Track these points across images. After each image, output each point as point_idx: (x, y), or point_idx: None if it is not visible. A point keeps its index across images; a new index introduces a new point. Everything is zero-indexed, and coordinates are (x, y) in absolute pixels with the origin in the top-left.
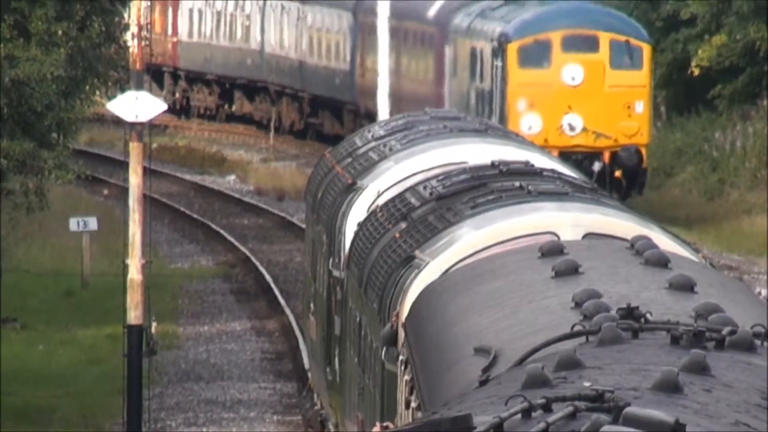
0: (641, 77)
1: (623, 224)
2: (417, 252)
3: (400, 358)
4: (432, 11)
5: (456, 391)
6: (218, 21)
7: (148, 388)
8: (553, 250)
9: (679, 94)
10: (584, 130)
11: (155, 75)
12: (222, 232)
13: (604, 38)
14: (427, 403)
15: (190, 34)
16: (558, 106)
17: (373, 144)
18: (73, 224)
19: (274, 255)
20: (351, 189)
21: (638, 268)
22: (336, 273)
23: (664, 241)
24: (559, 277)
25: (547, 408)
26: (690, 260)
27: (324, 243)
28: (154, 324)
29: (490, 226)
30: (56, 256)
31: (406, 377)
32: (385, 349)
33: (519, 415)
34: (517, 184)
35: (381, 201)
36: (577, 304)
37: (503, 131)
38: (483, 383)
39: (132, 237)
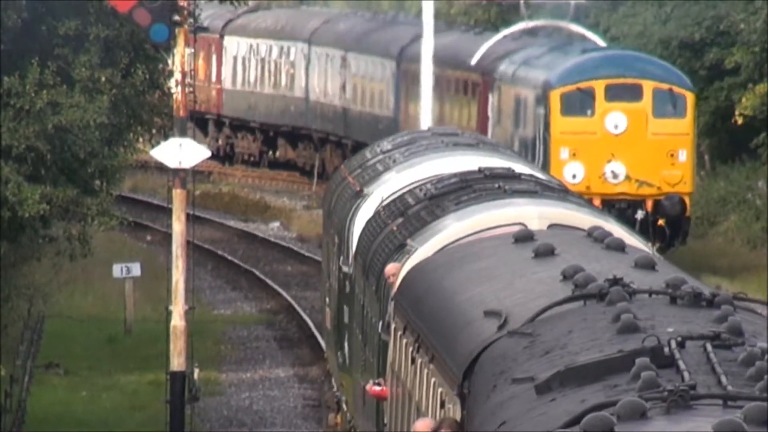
0: (684, 125)
1: (582, 217)
2: (409, 240)
3: (392, 326)
4: (475, 59)
5: (475, 343)
6: (262, 68)
7: None
8: (525, 236)
9: (723, 142)
10: (627, 178)
11: (199, 122)
12: (265, 278)
13: (647, 86)
14: (443, 355)
15: (234, 82)
16: (601, 154)
17: (380, 157)
18: (117, 270)
19: (317, 301)
20: (359, 195)
21: (602, 252)
22: (345, 268)
23: (618, 231)
24: (539, 257)
25: None
26: (640, 246)
27: (336, 243)
28: (196, 370)
29: (469, 218)
30: (99, 302)
31: (406, 340)
32: (381, 322)
33: None
34: (496, 185)
35: (384, 203)
36: (566, 277)
37: (493, 145)
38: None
39: (175, 283)
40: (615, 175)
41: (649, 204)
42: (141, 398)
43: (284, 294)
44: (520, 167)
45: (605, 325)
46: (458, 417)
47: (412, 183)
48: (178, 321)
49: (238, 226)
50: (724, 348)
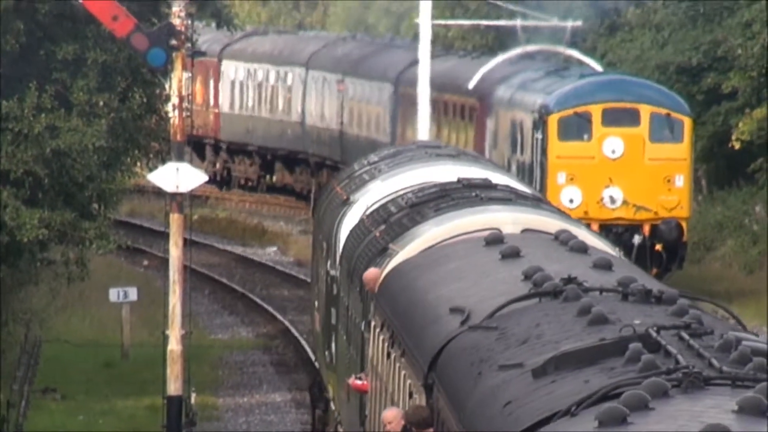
0: (681, 150)
1: (554, 222)
2: (390, 244)
3: (372, 324)
4: (472, 83)
5: (440, 338)
6: (259, 93)
7: None
8: (494, 239)
9: (720, 167)
10: (624, 203)
11: (196, 146)
12: (262, 303)
13: (645, 111)
14: (412, 349)
15: (232, 106)
16: (598, 179)
17: (366, 168)
18: (114, 295)
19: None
20: (345, 203)
21: (565, 254)
22: (332, 272)
23: (586, 236)
24: (505, 259)
25: None
26: (604, 249)
27: (324, 249)
28: (193, 395)
29: (447, 223)
30: (96, 327)
31: (383, 336)
32: (363, 321)
33: None
34: (473, 193)
35: (369, 211)
36: (527, 277)
37: (474, 156)
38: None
39: (172, 308)
40: (613, 200)
41: (647, 229)
42: (138, 423)
43: (281, 318)
44: (498, 177)
45: (571, 318)
46: (424, 404)
47: (395, 192)
48: (174, 345)
49: (235, 251)
50: (697, 336)
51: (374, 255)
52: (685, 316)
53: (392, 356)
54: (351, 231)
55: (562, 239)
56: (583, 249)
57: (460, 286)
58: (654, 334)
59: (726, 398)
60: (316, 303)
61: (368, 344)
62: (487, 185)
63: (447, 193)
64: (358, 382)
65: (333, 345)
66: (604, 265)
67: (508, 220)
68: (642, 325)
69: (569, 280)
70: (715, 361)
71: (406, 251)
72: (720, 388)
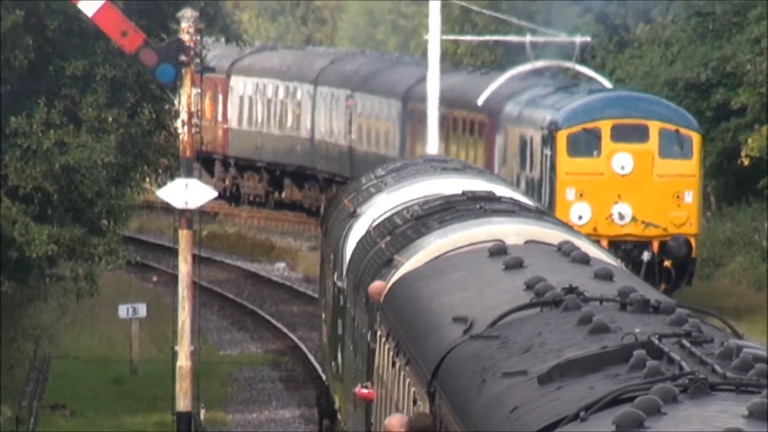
0: (691, 167)
1: (556, 234)
2: (396, 256)
3: (378, 333)
4: (481, 99)
5: (443, 346)
6: (268, 109)
7: None
8: (498, 250)
9: (729, 183)
10: (633, 219)
11: (205, 162)
12: (271, 319)
13: (654, 127)
14: (416, 357)
15: (240, 122)
16: (607, 195)
17: (373, 181)
18: (123, 311)
19: None
20: (352, 216)
21: (567, 264)
22: (339, 284)
23: (588, 247)
24: (508, 269)
25: None
26: (606, 260)
27: (331, 261)
28: (202, 411)
29: (451, 235)
30: (105, 343)
31: (388, 345)
32: (369, 331)
33: None
34: (477, 206)
35: (375, 223)
36: (529, 287)
37: (478, 170)
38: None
39: (181, 324)
40: (621, 217)
41: (656, 245)
42: None
43: (290, 335)
44: (502, 190)
45: (572, 327)
46: (428, 412)
47: (401, 204)
48: (184, 362)
49: (244, 267)
50: (698, 344)
51: (380, 266)
52: (684, 325)
53: (397, 365)
54: (357, 243)
55: (565, 250)
56: (585, 260)
57: (463, 296)
58: (656, 342)
59: (732, 403)
60: (323, 315)
61: (374, 354)
62: (491, 198)
63: (452, 205)
64: (364, 391)
65: (339, 356)
66: (605, 275)
67: (512, 231)
68: (643, 334)
69: (570, 289)
70: (718, 368)
71: (411, 262)
72: (725, 394)
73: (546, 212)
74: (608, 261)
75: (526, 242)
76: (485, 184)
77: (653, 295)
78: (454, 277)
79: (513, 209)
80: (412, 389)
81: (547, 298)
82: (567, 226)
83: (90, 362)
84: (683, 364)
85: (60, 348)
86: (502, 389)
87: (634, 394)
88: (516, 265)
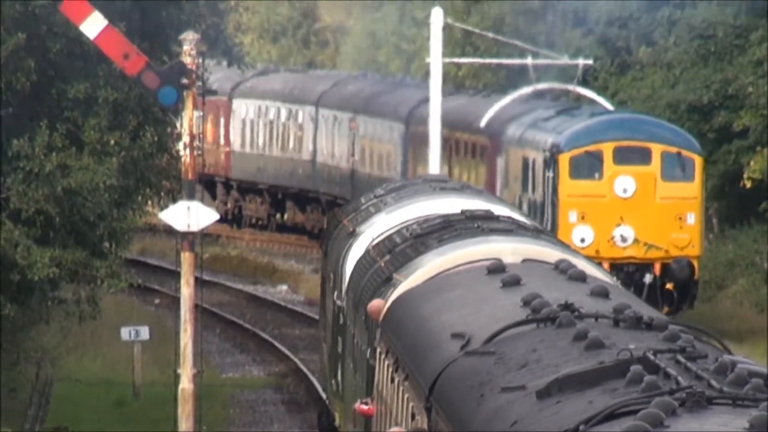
0: (693, 189)
1: (553, 252)
2: (395, 274)
3: (378, 350)
4: (484, 121)
5: (440, 362)
6: (270, 131)
7: None
8: (496, 268)
9: (731, 205)
10: (636, 241)
11: (207, 185)
12: (273, 342)
13: (656, 150)
14: (415, 373)
15: (243, 144)
16: (610, 217)
17: (373, 201)
18: (125, 334)
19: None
20: (352, 235)
21: (564, 282)
22: (339, 302)
23: (584, 265)
24: (506, 287)
25: None
26: (602, 278)
27: (331, 280)
28: None
29: (450, 253)
30: (107, 366)
31: (387, 362)
32: (369, 348)
33: None
34: (476, 224)
35: (374, 242)
36: (526, 304)
37: (477, 190)
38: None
39: (183, 347)
40: (624, 239)
41: (657, 267)
42: None
43: (292, 357)
44: (500, 209)
45: (568, 344)
46: (425, 426)
47: (400, 223)
48: (186, 384)
49: (247, 290)
50: (692, 360)
51: (379, 284)
52: (678, 341)
53: (396, 380)
54: (357, 262)
55: (562, 268)
56: (581, 278)
57: (461, 313)
58: (652, 357)
59: (732, 417)
60: (324, 334)
61: (374, 371)
62: (489, 217)
63: (450, 224)
64: (364, 406)
65: (339, 374)
66: (601, 292)
67: (509, 250)
68: (638, 349)
69: (566, 306)
70: (714, 382)
71: (410, 280)
72: (723, 408)
73: (544, 231)
74: (604, 279)
75: (524, 261)
76: (483, 203)
77: (647, 312)
78: (453, 295)
79: (511, 228)
80: (411, 404)
81: (543, 315)
82: (564, 245)
83: (92, 385)
84: (680, 378)
85: (62, 371)
86: (502, 404)
87: (633, 407)
88: (513, 282)
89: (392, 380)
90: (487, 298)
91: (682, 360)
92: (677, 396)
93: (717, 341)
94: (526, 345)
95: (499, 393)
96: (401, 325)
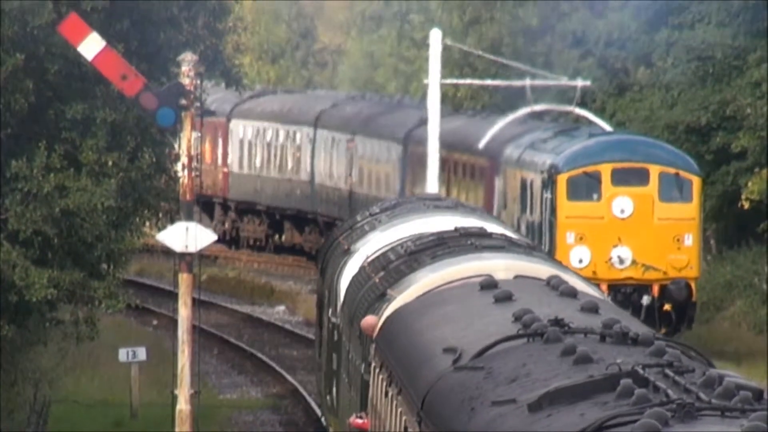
0: (691, 210)
1: (545, 269)
2: (389, 290)
3: (372, 365)
4: (482, 143)
5: (432, 376)
6: (268, 152)
7: None
8: (488, 284)
9: (729, 227)
10: (633, 262)
11: (205, 206)
12: (271, 363)
13: (654, 171)
14: (408, 386)
15: (241, 165)
16: (607, 238)
17: (368, 219)
18: (123, 355)
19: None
20: (346, 253)
21: (555, 298)
22: (334, 319)
23: (575, 281)
24: (498, 302)
25: None
26: (593, 294)
27: (327, 297)
28: None
29: (443, 270)
30: (105, 387)
31: (382, 376)
32: (363, 364)
33: None
34: (469, 242)
35: (369, 259)
36: (517, 319)
37: (471, 208)
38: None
39: (181, 368)
40: (621, 260)
41: (656, 289)
42: None
43: (290, 378)
44: (493, 227)
45: (557, 358)
46: None
47: (395, 241)
48: (183, 405)
49: (244, 310)
50: (680, 374)
51: (374, 300)
52: (664, 356)
53: (390, 394)
54: (352, 278)
55: (553, 284)
56: (572, 293)
57: (453, 328)
58: (641, 371)
59: (724, 426)
60: (319, 350)
61: (368, 386)
62: (482, 234)
63: (444, 241)
64: (359, 421)
65: (335, 389)
66: (591, 308)
67: (502, 266)
68: (626, 364)
69: (556, 321)
70: (703, 395)
71: (403, 296)
72: (712, 418)
73: (536, 248)
74: (595, 295)
75: (516, 277)
76: (477, 221)
77: (635, 327)
78: (445, 310)
79: (503, 245)
80: (404, 418)
81: (532, 330)
82: (556, 262)
83: (90, 406)
84: (669, 392)
85: (60, 392)
86: (492, 417)
87: (625, 419)
88: (505, 298)
89: (386, 394)
90: (479, 313)
91: (671, 374)
92: (669, 408)
93: (700, 356)
94: (516, 359)
95: (490, 407)
96: (395, 340)
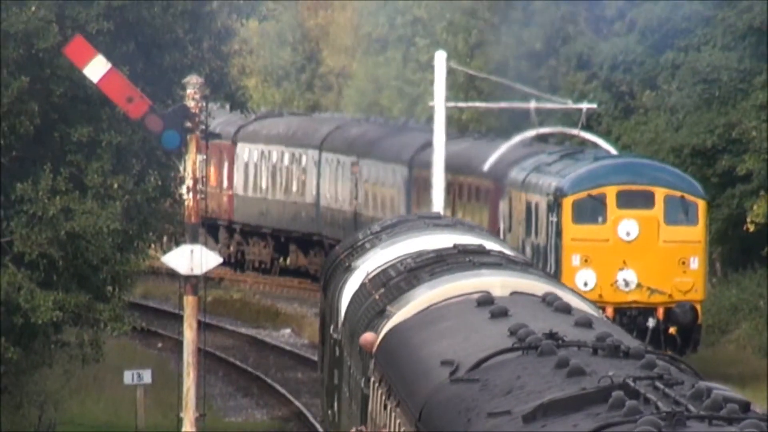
0: (696, 233)
1: (541, 285)
2: (388, 306)
3: (372, 380)
4: (487, 165)
5: (429, 388)
6: (273, 175)
7: None
8: (485, 300)
9: (735, 250)
10: (639, 286)
11: (210, 228)
12: (276, 386)
13: (659, 194)
14: (406, 399)
15: (246, 188)
16: (613, 261)
17: (369, 237)
18: (128, 377)
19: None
20: (348, 270)
21: (550, 313)
22: (335, 335)
23: (571, 298)
24: (494, 318)
25: None
26: (587, 310)
27: (328, 313)
28: None
29: (441, 287)
30: (110, 409)
31: (381, 390)
32: (363, 378)
33: None
34: (467, 259)
35: (369, 276)
36: (512, 333)
37: (469, 225)
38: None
39: (186, 390)
40: (627, 284)
41: (661, 312)
42: None
43: (295, 401)
44: (491, 244)
45: (550, 371)
46: None
47: (395, 258)
48: (189, 428)
49: (249, 333)
50: (670, 386)
51: (373, 316)
52: (655, 368)
53: (389, 407)
54: (353, 295)
55: (548, 300)
56: (567, 309)
57: (451, 342)
58: (632, 384)
59: (713, 428)
60: (321, 364)
61: (368, 400)
62: (480, 251)
63: (442, 258)
64: None
65: (335, 404)
66: (585, 323)
67: (498, 283)
68: (617, 376)
69: (550, 335)
70: (692, 407)
71: (402, 312)
72: (701, 425)
73: (532, 265)
74: (589, 311)
75: (512, 293)
76: (475, 238)
77: (627, 341)
78: (443, 326)
79: (500, 262)
80: (402, 429)
81: (527, 343)
82: (552, 278)
83: (95, 428)
84: (659, 403)
85: (65, 414)
86: (489, 428)
87: (617, 429)
88: (501, 314)
89: (385, 407)
90: (476, 328)
91: (661, 386)
92: (660, 417)
93: (689, 368)
94: (511, 372)
95: (485, 418)
96: (394, 355)
